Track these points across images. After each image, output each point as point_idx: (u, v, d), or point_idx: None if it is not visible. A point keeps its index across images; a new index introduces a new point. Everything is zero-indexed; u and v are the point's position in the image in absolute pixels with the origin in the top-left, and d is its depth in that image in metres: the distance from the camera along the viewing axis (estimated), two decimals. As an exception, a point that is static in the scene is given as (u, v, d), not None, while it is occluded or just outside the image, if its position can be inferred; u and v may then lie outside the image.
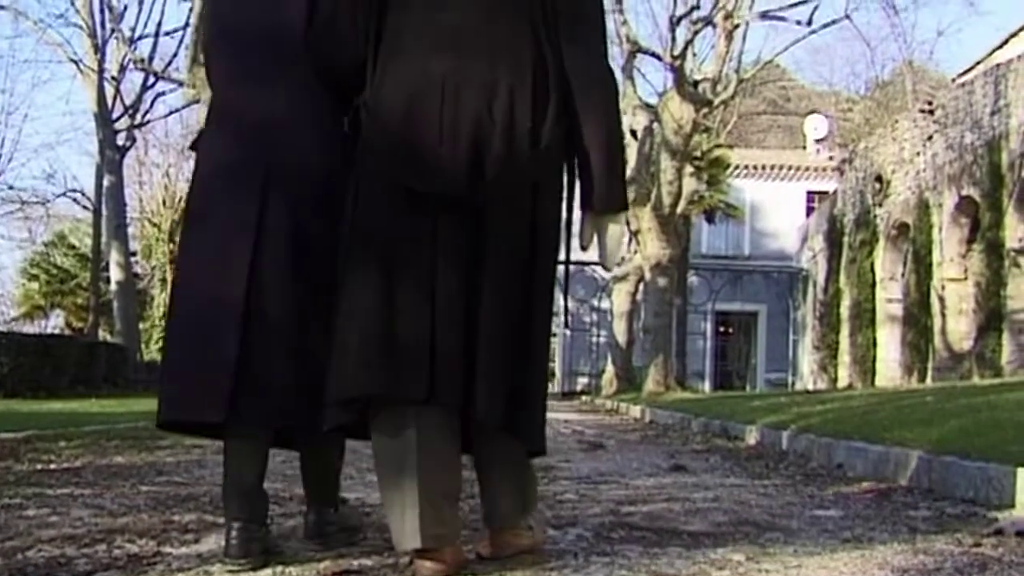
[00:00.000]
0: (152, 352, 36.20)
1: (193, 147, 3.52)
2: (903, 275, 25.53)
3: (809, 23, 25.65)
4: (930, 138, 23.92)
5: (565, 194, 3.28)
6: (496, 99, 3.03)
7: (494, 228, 3.04)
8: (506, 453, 3.25)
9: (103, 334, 34.08)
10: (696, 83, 25.49)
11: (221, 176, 3.37)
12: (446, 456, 3.08)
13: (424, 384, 2.96)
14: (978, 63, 31.16)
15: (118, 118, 31.48)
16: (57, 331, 42.38)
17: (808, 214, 41.07)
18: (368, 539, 3.75)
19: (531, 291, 3.12)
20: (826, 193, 37.61)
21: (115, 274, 30.52)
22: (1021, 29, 30.12)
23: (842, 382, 27.88)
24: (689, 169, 27.69)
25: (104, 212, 31.18)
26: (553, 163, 3.18)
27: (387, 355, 2.98)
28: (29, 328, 42.03)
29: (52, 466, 6.56)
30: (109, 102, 30.74)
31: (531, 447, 3.26)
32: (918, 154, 24.62)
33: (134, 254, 39.56)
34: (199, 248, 3.38)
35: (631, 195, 11.85)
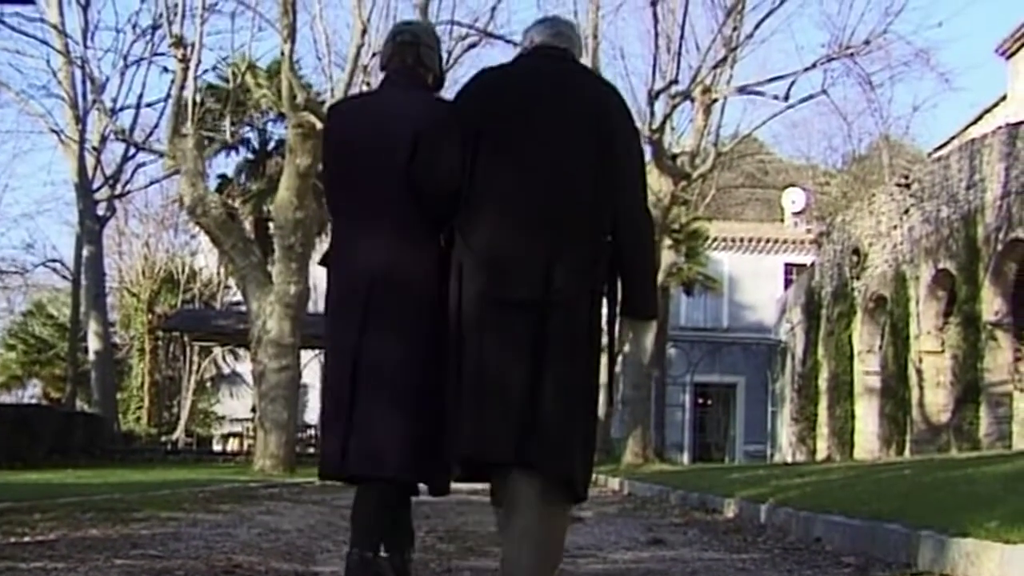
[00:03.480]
0: (130, 422, 35.86)
1: (323, 263, 4.44)
2: (881, 347, 25.61)
3: (786, 98, 25.91)
4: (907, 212, 24.10)
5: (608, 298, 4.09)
6: (562, 226, 3.88)
7: (557, 326, 3.83)
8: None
9: (81, 404, 33.82)
10: (675, 156, 25.66)
11: (340, 286, 4.33)
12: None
13: (508, 449, 3.75)
14: (953, 138, 31.47)
15: (98, 188, 31.52)
16: (34, 401, 41.97)
17: (786, 286, 41.19)
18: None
19: (584, 371, 3.91)
20: (804, 266, 37.76)
21: (93, 344, 30.41)
22: (995, 105, 30.45)
23: (821, 454, 27.82)
24: (668, 242, 27.86)
25: (83, 282, 31.10)
26: (603, 275, 4.02)
27: (480, 427, 3.80)
28: (6, 398, 41.71)
29: (26, 539, 6.50)
30: (90, 172, 30.79)
31: (581, 496, 3.96)
32: (895, 227, 24.79)
33: (112, 324, 39.34)
34: (332, 348, 4.35)
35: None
